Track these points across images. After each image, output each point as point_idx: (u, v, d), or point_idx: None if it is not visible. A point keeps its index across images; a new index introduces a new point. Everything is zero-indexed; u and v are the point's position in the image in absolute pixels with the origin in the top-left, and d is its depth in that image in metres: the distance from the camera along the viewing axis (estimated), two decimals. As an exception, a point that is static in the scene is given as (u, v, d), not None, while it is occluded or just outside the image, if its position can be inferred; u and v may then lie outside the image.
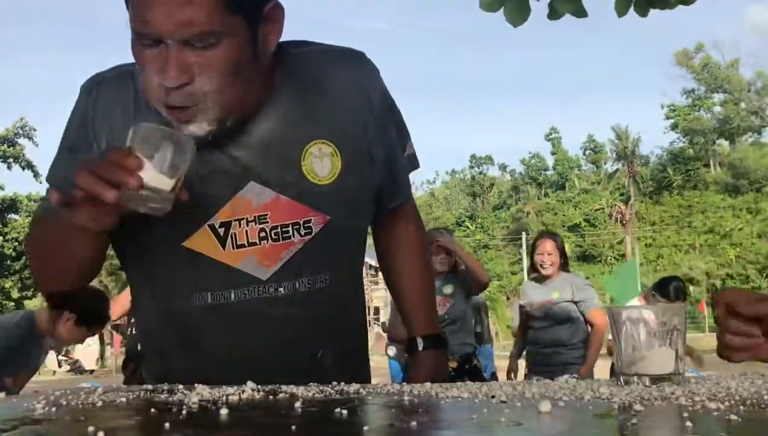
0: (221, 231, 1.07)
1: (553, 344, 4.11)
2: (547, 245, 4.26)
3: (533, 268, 4.42)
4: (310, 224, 1.09)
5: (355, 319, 1.26)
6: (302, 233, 1.09)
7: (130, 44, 0.99)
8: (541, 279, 4.28)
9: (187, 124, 0.99)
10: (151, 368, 1.22)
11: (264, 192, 1.07)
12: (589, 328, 4.15)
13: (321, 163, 1.09)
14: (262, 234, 1.08)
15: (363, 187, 1.17)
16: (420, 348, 1.30)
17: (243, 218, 1.07)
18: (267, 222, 1.07)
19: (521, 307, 4.46)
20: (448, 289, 4.18)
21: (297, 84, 1.11)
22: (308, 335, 1.13)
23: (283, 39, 1.07)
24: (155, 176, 0.91)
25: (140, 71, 1.00)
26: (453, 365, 3.90)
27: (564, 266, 4.29)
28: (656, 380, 0.91)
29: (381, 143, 1.18)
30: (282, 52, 1.10)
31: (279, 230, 1.08)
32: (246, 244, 1.07)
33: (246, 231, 1.07)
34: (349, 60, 1.18)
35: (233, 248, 1.07)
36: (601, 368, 4.32)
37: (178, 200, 0.93)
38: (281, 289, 1.09)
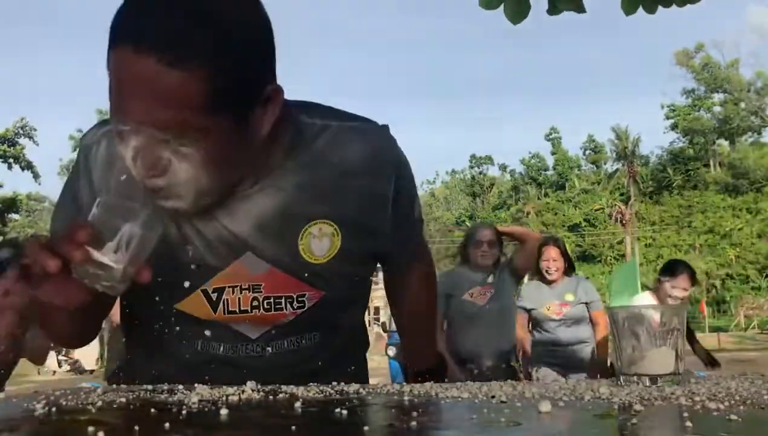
0: (214, 296, 1.07)
1: (577, 342, 4.27)
2: (552, 252, 4.32)
3: (537, 272, 4.44)
4: (304, 299, 1.09)
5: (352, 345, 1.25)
6: (295, 307, 1.09)
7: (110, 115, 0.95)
8: (546, 282, 4.36)
9: (165, 200, 0.97)
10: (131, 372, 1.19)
11: (260, 264, 1.06)
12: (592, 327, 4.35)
13: (320, 242, 1.07)
14: (255, 303, 1.07)
15: (365, 259, 1.15)
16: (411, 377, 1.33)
17: (237, 286, 1.07)
18: (261, 292, 1.07)
19: (529, 310, 4.42)
20: (491, 278, 4.02)
21: (305, 157, 1.06)
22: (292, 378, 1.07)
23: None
24: (108, 253, 0.86)
25: (118, 145, 0.96)
26: (489, 363, 3.80)
27: (568, 269, 4.40)
28: (656, 379, 0.91)
29: (389, 217, 1.13)
30: (295, 120, 1.07)
31: (272, 300, 1.08)
32: (237, 311, 1.07)
33: (239, 299, 1.07)
34: (366, 135, 1.11)
35: (224, 314, 1.07)
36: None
37: (138, 280, 0.88)
38: (269, 348, 1.11)
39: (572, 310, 4.28)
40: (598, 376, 4.05)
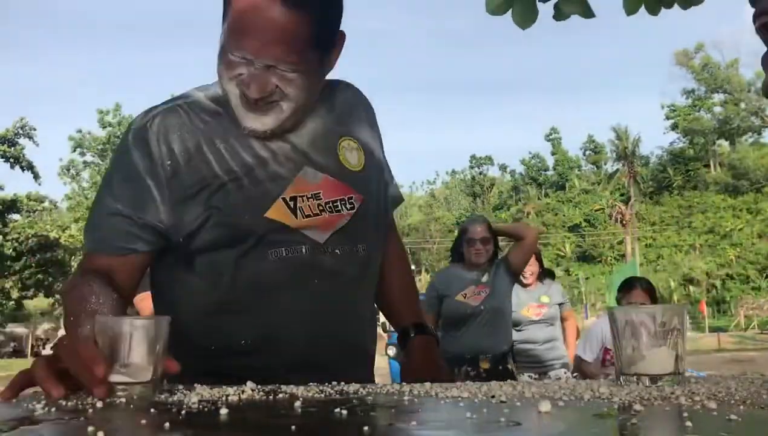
0: (291, 204, 1.26)
1: (549, 340, 4.53)
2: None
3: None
4: (353, 201, 1.31)
5: (369, 298, 1.43)
6: (348, 207, 1.31)
7: (220, 51, 1.20)
8: (522, 286, 4.52)
9: (263, 117, 1.22)
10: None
11: (316, 175, 1.29)
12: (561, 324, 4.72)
13: (351, 154, 1.35)
14: (320, 207, 1.28)
15: (380, 180, 1.42)
16: (412, 335, 1.46)
17: (304, 195, 1.27)
18: (320, 198, 1.28)
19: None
20: (485, 277, 3.93)
21: (325, 91, 1.36)
22: (346, 291, 1.31)
23: None
24: (119, 370, 0.88)
25: (225, 77, 1.21)
26: (485, 365, 3.72)
27: (542, 275, 4.67)
28: (656, 379, 0.91)
29: (379, 149, 1.45)
30: None
31: (331, 204, 1.29)
32: (311, 214, 1.27)
33: (308, 205, 1.27)
34: (347, 86, 1.47)
35: (303, 218, 1.26)
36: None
37: (166, 372, 0.93)
38: (336, 249, 1.29)
39: (549, 311, 4.56)
40: (565, 372, 4.39)
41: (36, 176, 27.14)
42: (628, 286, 3.91)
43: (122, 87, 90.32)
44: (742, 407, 0.73)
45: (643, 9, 2.60)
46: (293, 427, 0.66)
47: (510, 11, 2.49)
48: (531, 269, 4.50)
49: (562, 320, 4.73)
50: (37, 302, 32.42)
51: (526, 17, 2.48)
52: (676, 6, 2.59)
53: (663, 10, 2.60)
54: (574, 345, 4.67)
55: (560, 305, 4.68)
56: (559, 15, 2.55)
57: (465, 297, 3.86)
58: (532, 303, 4.56)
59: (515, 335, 4.34)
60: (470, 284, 3.88)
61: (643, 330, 0.93)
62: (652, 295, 3.85)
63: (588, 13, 2.50)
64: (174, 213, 1.22)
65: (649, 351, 0.92)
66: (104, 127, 23.34)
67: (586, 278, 41.58)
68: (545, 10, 2.53)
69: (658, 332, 0.92)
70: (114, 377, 0.88)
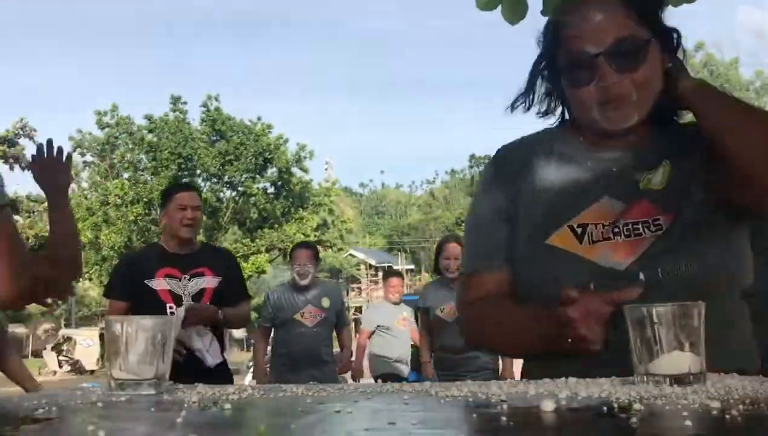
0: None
1: (469, 348, 4.07)
2: (455, 249, 4.24)
3: (437, 271, 4.41)
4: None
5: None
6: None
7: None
8: (447, 283, 4.26)
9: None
10: None
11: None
12: None
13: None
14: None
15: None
16: None
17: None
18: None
19: (425, 310, 4.37)
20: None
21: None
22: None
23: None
24: (130, 369, 0.91)
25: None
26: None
27: None
28: (673, 380, 0.87)
29: None
30: None
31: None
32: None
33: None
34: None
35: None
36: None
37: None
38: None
39: None
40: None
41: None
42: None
43: (122, 87, 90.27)
44: (741, 406, 0.73)
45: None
46: (293, 426, 0.66)
47: (500, 7, 2.51)
48: (458, 262, 3.98)
49: None
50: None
51: (515, 12, 2.49)
52: (671, 6, 2.59)
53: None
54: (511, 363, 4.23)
55: None
56: (548, 10, 2.57)
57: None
58: (450, 303, 4.16)
59: (436, 340, 4.28)
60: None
61: (660, 329, 0.89)
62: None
63: None
64: None
65: (666, 351, 0.88)
66: (102, 129, 23.33)
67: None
68: (534, 6, 2.54)
69: (676, 332, 0.88)
70: (118, 374, 0.90)
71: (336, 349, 5.08)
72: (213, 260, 3.36)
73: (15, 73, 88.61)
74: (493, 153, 1.36)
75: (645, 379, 0.90)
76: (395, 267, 29.16)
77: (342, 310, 4.96)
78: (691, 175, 1.22)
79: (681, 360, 0.88)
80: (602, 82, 1.18)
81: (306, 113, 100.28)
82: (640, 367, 0.91)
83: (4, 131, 26.69)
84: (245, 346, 27.45)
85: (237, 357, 18.17)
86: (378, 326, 5.50)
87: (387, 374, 5.23)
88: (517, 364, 4.46)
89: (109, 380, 0.92)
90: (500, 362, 4.27)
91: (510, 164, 1.32)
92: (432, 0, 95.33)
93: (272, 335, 4.77)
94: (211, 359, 3.12)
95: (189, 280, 3.23)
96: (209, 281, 3.26)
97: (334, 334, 4.96)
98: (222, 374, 3.18)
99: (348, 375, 5.47)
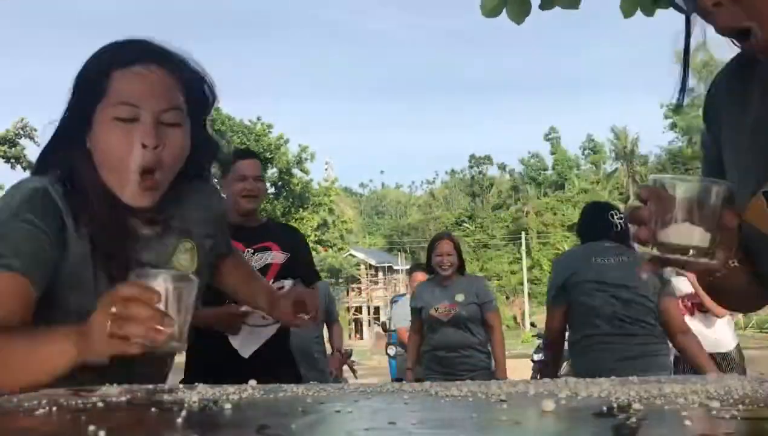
0: None
1: (462, 347, 4.11)
2: (446, 246, 4.22)
3: (429, 270, 4.37)
4: None
5: None
6: None
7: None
8: (440, 281, 4.23)
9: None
10: None
11: None
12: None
13: None
14: None
15: None
16: None
17: None
18: None
19: (418, 310, 4.30)
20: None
21: None
22: None
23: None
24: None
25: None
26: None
27: (461, 267, 4.28)
28: (687, 251, 0.87)
29: None
30: None
31: None
32: None
33: None
34: None
35: None
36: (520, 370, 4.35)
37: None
38: None
39: (461, 311, 4.08)
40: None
41: (36, 177, 27.09)
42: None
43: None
44: (741, 406, 0.73)
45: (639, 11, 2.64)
46: (293, 427, 0.66)
47: (504, 11, 2.56)
48: (450, 259, 4.15)
49: (487, 324, 4.14)
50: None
51: (521, 11, 2.56)
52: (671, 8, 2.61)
53: (658, 11, 2.63)
54: (504, 355, 4.15)
55: (480, 305, 4.12)
56: (546, 4, 2.60)
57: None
58: (444, 302, 4.12)
59: (428, 338, 4.23)
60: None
61: (695, 204, 0.87)
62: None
63: (574, 3, 2.56)
64: None
65: (680, 221, 0.87)
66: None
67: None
68: (536, 3, 2.58)
69: (693, 208, 0.86)
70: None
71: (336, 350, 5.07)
72: (281, 234, 3.07)
73: (15, 72, 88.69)
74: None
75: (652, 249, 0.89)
76: (395, 267, 29.05)
77: (329, 304, 4.91)
78: None
79: (690, 232, 0.87)
80: None
81: (306, 113, 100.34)
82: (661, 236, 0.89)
83: (4, 131, 26.68)
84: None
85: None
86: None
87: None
88: (509, 362, 4.47)
89: None
90: (492, 360, 4.25)
91: None
92: (432, 0, 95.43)
93: None
94: (246, 350, 2.71)
95: (253, 254, 2.94)
96: (276, 257, 2.96)
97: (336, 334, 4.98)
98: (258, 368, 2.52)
99: (348, 375, 5.44)
